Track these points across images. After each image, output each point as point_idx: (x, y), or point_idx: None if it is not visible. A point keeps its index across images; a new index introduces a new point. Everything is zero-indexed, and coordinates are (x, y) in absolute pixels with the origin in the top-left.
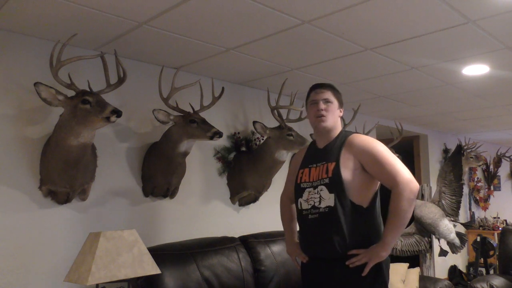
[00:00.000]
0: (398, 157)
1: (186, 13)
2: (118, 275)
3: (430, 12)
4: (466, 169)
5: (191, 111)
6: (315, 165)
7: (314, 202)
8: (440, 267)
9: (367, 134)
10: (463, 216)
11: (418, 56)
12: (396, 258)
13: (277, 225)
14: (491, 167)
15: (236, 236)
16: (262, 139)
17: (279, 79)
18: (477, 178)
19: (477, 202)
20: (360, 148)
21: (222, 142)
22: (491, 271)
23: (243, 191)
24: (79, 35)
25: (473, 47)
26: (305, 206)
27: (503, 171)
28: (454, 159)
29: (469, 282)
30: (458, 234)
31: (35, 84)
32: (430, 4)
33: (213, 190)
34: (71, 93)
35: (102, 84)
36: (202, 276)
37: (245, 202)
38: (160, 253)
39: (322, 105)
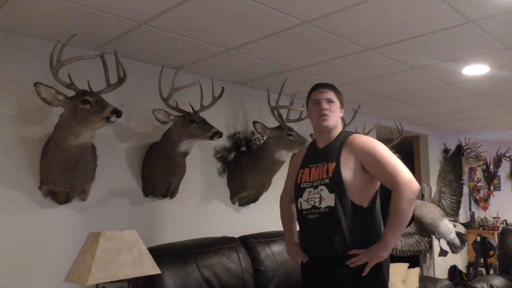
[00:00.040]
0: (398, 157)
1: (186, 13)
2: (118, 275)
3: (430, 12)
4: (466, 169)
5: (191, 111)
6: (315, 165)
7: (315, 202)
8: (440, 267)
9: (367, 134)
10: (463, 216)
11: (418, 56)
12: (396, 258)
13: (277, 225)
14: (491, 167)
15: (236, 236)
16: (262, 139)
17: (279, 79)
18: (477, 178)
19: (477, 202)
20: (361, 148)
21: (222, 142)
22: (491, 271)
23: (243, 191)
24: (79, 35)
25: (473, 47)
26: (305, 206)
27: (503, 171)
28: (454, 159)
29: (469, 282)
30: (458, 234)
31: (35, 84)
32: (430, 4)
33: (213, 190)
34: (71, 93)
35: (102, 84)
36: (202, 276)
37: (245, 202)
38: (160, 253)
39: (325, 105)
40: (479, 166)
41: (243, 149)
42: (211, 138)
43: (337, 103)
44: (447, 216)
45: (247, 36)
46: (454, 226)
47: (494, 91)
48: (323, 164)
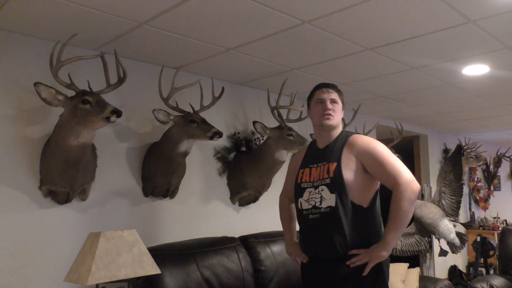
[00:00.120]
0: (398, 157)
1: (186, 13)
2: (118, 275)
3: (430, 12)
4: (466, 169)
5: (191, 111)
6: (315, 165)
7: (315, 202)
8: (440, 267)
9: (367, 134)
10: (463, 216)
11: (418, 56)
12: (396, 258)
13: (277, 225)
14: (491, 167)
15: (236, 236)
16: (262, 139)
17: (279, 79)
18: (477, 178)
19: (477, 202)
20: (362, 148)
21: (222, 142)
22: (491, 271)
23: (243, 191)
24: (79, 35)
25: (473, 47)
26: (305, 206)
27: (503, 171)
28: (454, 159)
29: (469, 282)
30: (458, 234)
31: (35, 84)
32: (430, 4)
33: (213, 190)
34: (71, 93)
35: (102, 84)
36: (202, 276)
37: (245, 202)
38: (160, 253)
39: (330, 105)
40: (479, 166)
41: (243, 149)
42: (211, 138)
43: (340, 104)
44: (447, 216)
45: (247, 36)
46: (454, 226)
47: (494, 91)
48: (323, 164)
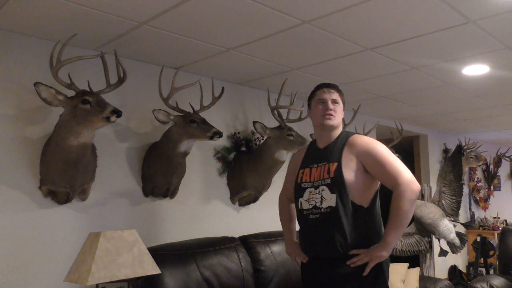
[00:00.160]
0: (398, 157)
1: (186, 13)
2: (118, 275)
3: (430, 12)
4: (466, 169)
5: (191, 111)
6: (316, 165)
7: (316, 202)
8: (440, 267)
9: (367, 134)
10: (463, 216)
11: (418, 56)
12: (396, 258)
13: (277, 225)
14: (491, 167)
15: (236, 236)
16: (262, 139)
17: (279, 79)
18: (477, 178)
19: (477, 202)
20: (362, 149)
21: (222, 142)
22: (491, 271)
23: (243, 191)
24: (79, 35)
25: (473, 47)
26: (306, 206)
27: (503, 171)
28: (454, 159)
29: (469, 282)
30: (458, 234)
31: (35, 84)
32: (430, 4)
33: (213, 190)
34: (71, 93)
35: (102, 84)
36: (202, 276)
37: (245, 202)
38: (160, 253)
39: (331, 105)
40: (479, 166)
41: (243, 149)
42: (211, 138)
43: (341, 104)
44: (447, 216)
45: (247, 36)
46: (454, 226)
47: (494, 91)
48: (324, 164)
